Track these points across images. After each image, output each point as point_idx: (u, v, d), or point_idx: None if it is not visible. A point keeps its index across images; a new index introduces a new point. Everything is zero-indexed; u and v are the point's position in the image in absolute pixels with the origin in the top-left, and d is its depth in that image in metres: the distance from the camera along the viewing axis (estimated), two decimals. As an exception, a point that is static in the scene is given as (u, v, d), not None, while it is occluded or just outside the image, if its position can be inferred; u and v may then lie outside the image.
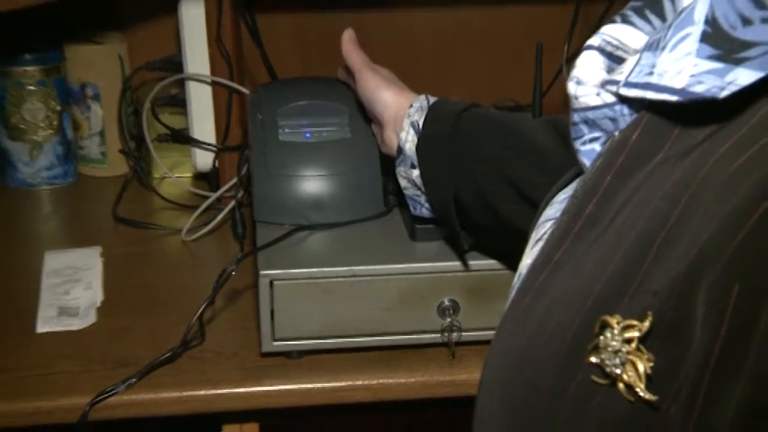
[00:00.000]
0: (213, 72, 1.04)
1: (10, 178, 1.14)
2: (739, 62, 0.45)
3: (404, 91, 0.92)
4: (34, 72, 1.10)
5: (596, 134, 0.56)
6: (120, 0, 1.16)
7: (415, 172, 0.87)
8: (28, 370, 0.80)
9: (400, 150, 0.89)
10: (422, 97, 0.90)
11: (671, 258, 0.44)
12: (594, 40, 0.54)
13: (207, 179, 1.12)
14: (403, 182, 0.90)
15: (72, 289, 0.95)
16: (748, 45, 0.45)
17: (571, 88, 0.55)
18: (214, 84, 1.04)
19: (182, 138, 1.10)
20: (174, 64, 1.08)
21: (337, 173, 0.98)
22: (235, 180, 1.03)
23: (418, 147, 0.86)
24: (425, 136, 0.86)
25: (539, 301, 0.51)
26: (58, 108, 1.12)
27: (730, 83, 0.44)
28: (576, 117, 0.55)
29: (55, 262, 0.99)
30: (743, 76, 0.44)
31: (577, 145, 0.56)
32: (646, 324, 0.42)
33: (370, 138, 0.99)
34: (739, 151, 0.44)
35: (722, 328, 0.38)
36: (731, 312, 0.38)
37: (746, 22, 0.45)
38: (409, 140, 0.88)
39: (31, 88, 1.09)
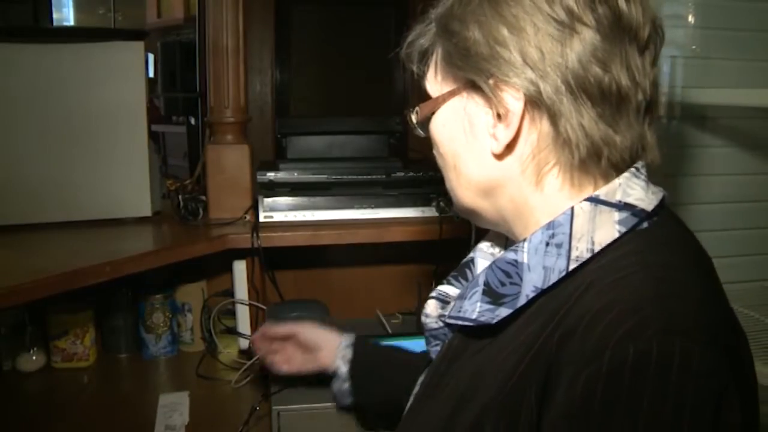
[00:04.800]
0: (249, 298, 1.54)
1: (144, 353, 1.58)
2: (501, 305, 0.63)
3: (333, 331, 1.13)
4: (160, 298, 1.57)
5: (437, 342, 0.78)
6: (205, 262, 1.52)
7: (345, 385, 1.08)
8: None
9: (335, 372, 1.09)
10: (346, 336, 1.11)
11: (470, 409, 0.62)
12: (433, 293, 0.78)
13: (246, 353, 1.51)
14: (335, 390, 1.09)
15: (173, 414, 1.31)
16: (504, 295, 0.63)
17: (423, 319, 0.78)
18: (249, 304, 1.54)
19: (232, 331, 1.56)
20: (229, 293, 1.56)
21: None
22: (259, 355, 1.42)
23: (351, 371, 1.07)
24: (352, 367, 1.07)
25: (411, 427, 0.76)
26: (170, 316, 1.58)
27: (497, 315, 0.63)
28: (426, 334, 0.79)
29: (165, 399, 1.36)
30: (503, 312, 0.63)
31: (429, 347, 0.79)
32: None
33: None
34: (503, 350, 0.63)
35: None
36: None
37: (502, 284, 0.64)
38: (341, 366, 1.08)
39: (158, 306, 1.57)
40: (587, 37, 0.60)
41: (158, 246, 1.38)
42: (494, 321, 0.63)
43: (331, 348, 1.10)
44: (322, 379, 1.15)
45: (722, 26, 1.24)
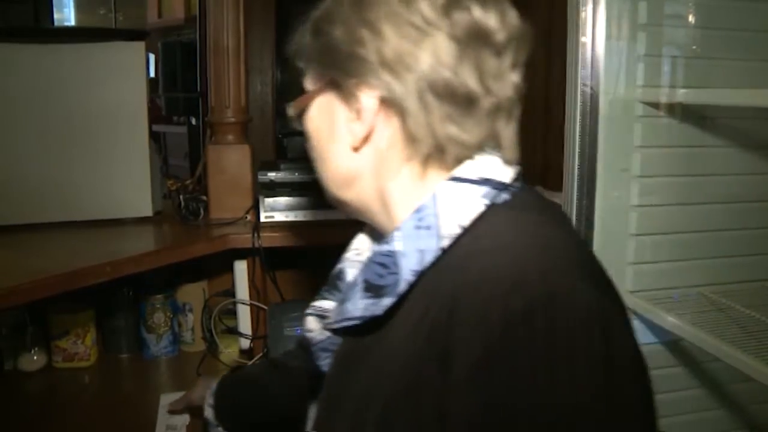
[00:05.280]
0: (250, 298, 1.56)
1: (145, 353, 1.59)
2: (383, 296, 0.65)
3: (204, 386, 1.17)
4: (161, 298, 1.58)
5: (327, 354, 0.79)
6: (206, 262, 1.56)
7: (218, 429, 1.11)
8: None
9: (207, 420, 1.13)
10: (212, 383, 1.15)
11: (375, 405, 0.64)
12: (309, 310, 0.81)
13: (247, 353, 1.56)
14: None
15: (173, 415, 1.30)
16: (385, 286, 0.66)
17: (306, 335, 0.80)
18: (250, 304, 1.56)
19: (233, 331, 1.58)
20: (230, 293, 1.59)
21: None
22: (261, 354, 1.52)
23: (216, 416, 1.11)
24: (216, 413, 1.12)
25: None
26: (171, 316, 1.60)
27: (382, 306, 0.66)
28: (313, 349, 0.79)
29: (165, 400, 1.34)
30: (387, 301, 0.65)
31: (319, 362, 0.80)
32: None
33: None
34: (395, 338, 0.65)
35: None
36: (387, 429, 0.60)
37: (381, 276, 0.66)
38: (209, 414, 1.12)
39: (158, 306, 1.58)
40: (440, 41, 0.64)
41: (159, 246, 1.39)
42: (380, 312, 0.66)
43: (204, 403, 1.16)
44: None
45: (723, 26, 1.23)
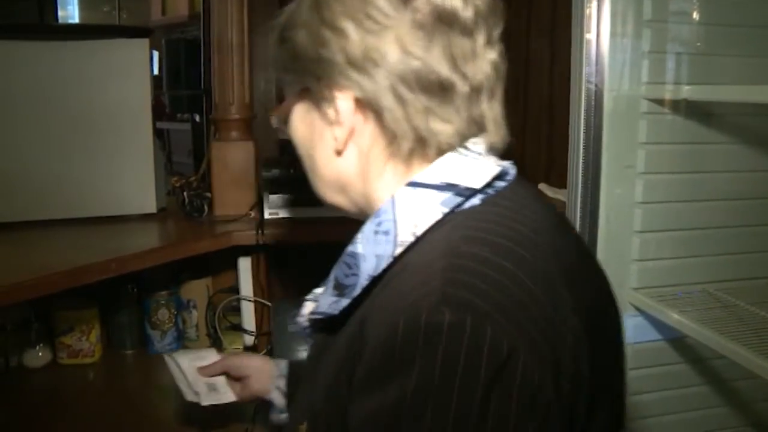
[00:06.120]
0: (254, 294, 1.57)
1: (149, 349, 1.59)
2: (344, 296, 0.66)
3: (265, 359, 1.16)
4: (165, 294, 1.59)
5: (312, 341, 0.80)
6: (210, 259, 1.56)
7: (284, 416, 1.08)
8: None
9: (270, 402, 1.10)
10: (278, 365, 1.11)
11: (312, 409, 0.67)
12: (309, 296, 0.79)
13: (251, 350, 1.57)
14: (274, 421, 1.10)
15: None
16: (347, 286, 0.66)
17: (298, 320, 0.79)
18: (254, 301, 1.58)
19: (237, 328, 1.60)
20: (234, 290, 1.60)
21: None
22: (264, 351, 1.53)
23: (288, 404, 1.07)
24: (288, 400, 1.07)
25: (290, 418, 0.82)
26: (175, 312, 1.61)
27: (339, 306, 0.67)
28: (302, 334, 0.79)
29: (174, 359, 1.20)
30: (344, 302, 0.66)
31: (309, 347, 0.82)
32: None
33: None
34: (337, 344, 0.66)
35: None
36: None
37: (346, 276, 0.66)
38: (277, 398, 1.08)
39: (163, 302, 1.58)
40: (403, 31, 0.62)
41: (163, 243, 1.40)
42: (337, 312, 0.66)
43: (258, 375, 1.11)
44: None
45: (728, 23, 1.23)
